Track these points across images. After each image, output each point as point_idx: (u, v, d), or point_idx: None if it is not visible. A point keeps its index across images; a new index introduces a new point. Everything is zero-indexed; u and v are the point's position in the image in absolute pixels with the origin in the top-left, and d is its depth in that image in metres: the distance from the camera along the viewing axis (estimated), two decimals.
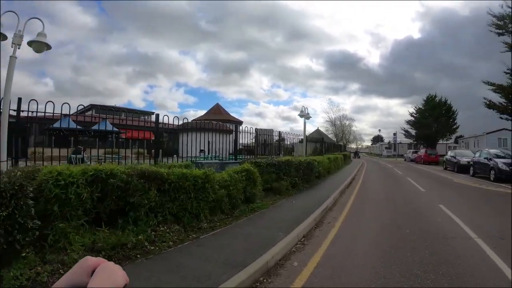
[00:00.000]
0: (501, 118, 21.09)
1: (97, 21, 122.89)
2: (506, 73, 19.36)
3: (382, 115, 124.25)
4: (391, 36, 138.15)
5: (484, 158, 15.72)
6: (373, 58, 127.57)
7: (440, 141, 40.80)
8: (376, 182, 14.40)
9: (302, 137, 19.43)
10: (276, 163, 9.40)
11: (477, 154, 17.30)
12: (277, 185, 9.07)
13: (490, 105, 20.88)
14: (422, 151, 33.06)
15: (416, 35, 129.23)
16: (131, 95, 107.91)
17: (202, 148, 9.07)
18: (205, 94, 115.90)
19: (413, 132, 41.47)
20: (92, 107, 30.09)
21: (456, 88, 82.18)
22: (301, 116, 15.50)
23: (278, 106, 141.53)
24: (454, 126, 37.76)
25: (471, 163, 17.43)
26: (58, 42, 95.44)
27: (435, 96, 38.82)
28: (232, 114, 46.09)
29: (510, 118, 20.12)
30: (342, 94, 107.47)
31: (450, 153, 23.17)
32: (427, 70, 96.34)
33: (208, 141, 8.85)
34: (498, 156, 15.32)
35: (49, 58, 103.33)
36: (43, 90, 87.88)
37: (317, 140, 18.80)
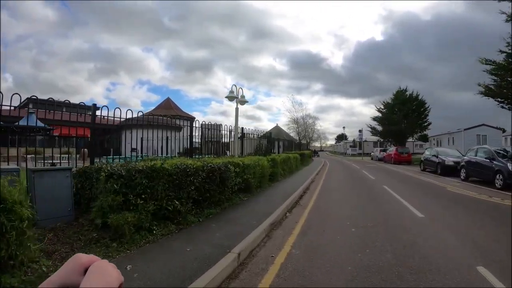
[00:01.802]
0: (502, 107, 17.25)
1: (58, 15, 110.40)
2: (502, 52, 15.53)
3: (345, 115, 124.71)
4: (354, 38, 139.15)
5: (485, 159, 11.53)
6: (336, 59, 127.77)
7: (410, 139, 37.63)
8: (340, 196, 9.53)
9: (263, 133, 15.00)
10: (123, 173, 4.10)
11: (471, 153, 13.19)
12: (118, 220, 3.77)
13: (490, 90, 16.88)
14: (392, 149, 29.25)
15: (379, 37, 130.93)
16: (93, 92, 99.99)
17: (134, 146, 7.47)
18: (168, 92, 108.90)
19: (380, 128, 37.80)
20: (29, 101, 23.77)
21: (416, 89, 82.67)
22: (230, 98, 10.21)
23: (242, 104, 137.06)
24: (426, 123, 34.43)
25: (463, 164, 13.32)
26: (17, 36, 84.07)
27: (406, 90, 35.29)
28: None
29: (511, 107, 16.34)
30: (306, 94, 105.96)
31: (429, 151, 19.13)
32: (389, 71, 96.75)
33: (141, 138, 7.07)
34: (499, 154, 11.23)
35: (8, 52, 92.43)
36: (2, 86, 75.69)
37: (262, 136, 13.68)
